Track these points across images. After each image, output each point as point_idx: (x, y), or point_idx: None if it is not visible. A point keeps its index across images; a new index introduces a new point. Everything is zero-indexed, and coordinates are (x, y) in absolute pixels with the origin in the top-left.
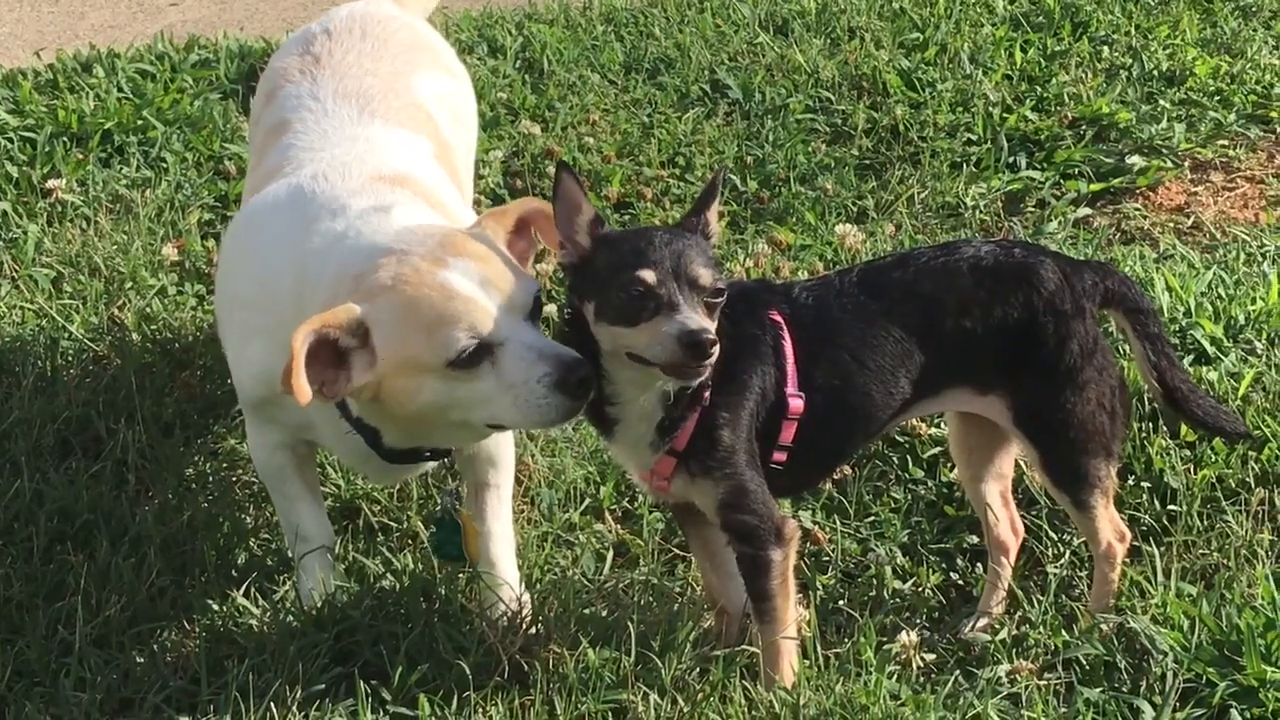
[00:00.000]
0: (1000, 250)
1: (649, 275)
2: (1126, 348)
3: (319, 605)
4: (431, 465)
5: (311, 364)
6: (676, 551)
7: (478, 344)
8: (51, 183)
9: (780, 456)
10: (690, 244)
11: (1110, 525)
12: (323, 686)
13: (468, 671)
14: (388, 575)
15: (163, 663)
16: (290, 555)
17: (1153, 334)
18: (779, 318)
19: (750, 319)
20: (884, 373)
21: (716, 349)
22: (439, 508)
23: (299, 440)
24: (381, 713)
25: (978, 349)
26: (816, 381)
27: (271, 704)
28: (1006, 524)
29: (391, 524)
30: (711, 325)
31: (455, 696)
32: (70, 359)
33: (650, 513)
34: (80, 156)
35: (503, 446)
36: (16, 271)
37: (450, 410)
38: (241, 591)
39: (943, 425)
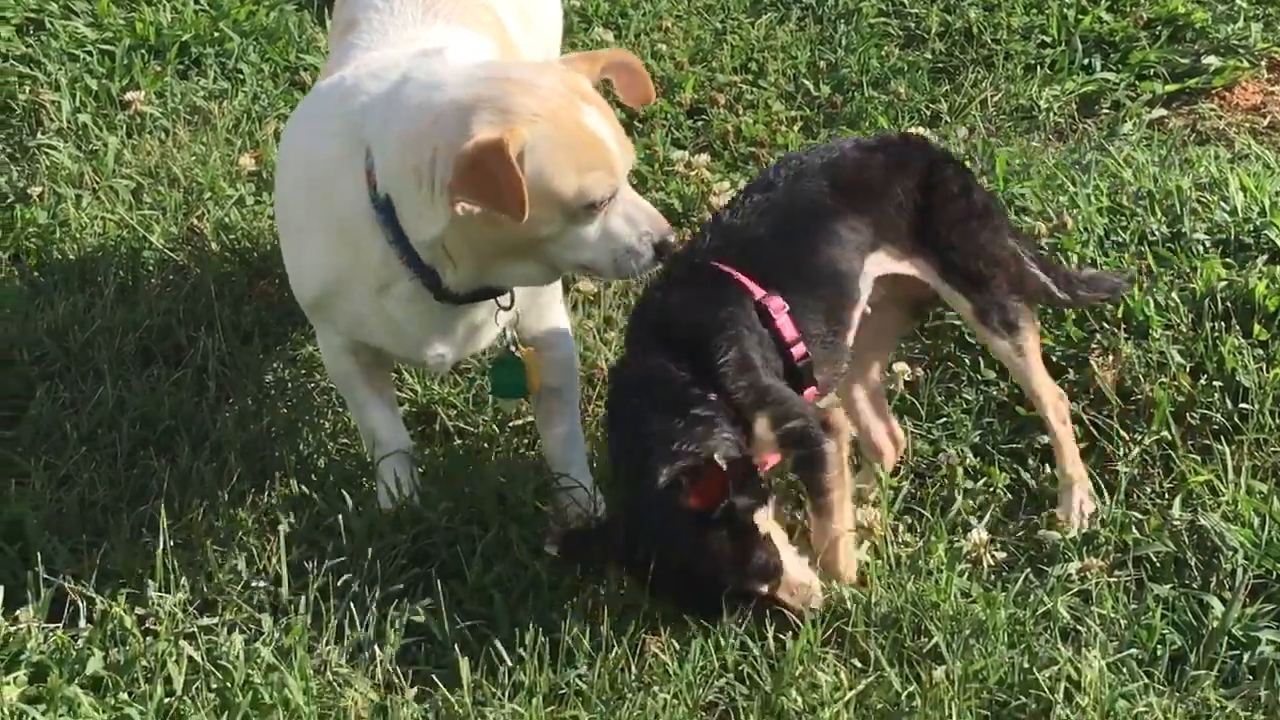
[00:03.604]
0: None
1: None
2: None
3: (396, 508)
4: (487, 341)
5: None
6: None
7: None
8: (130, 95)
9: (800, 350)
10: None
11: (1049, 378)
12: (401, 586)
13: (542, 573)
14: (464, 478)
15: (245, 564)
16: (369, 459)
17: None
18: (725, 269)
19: (705, 300)
20: (834, 251)
21: None
22: (499, 348)
23: (358, 344)
24: (458, 612)
25: (898, 213)
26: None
27: (351, 603)
28: (882, 430)
29: (468, 428)
30: None
31: (530, 597)
32: (150, 269)
33: None
34: (158, 69)
35: (562, 349)
36: (97, 183)
37: (551, 247)
38: (321, 495)
39: None
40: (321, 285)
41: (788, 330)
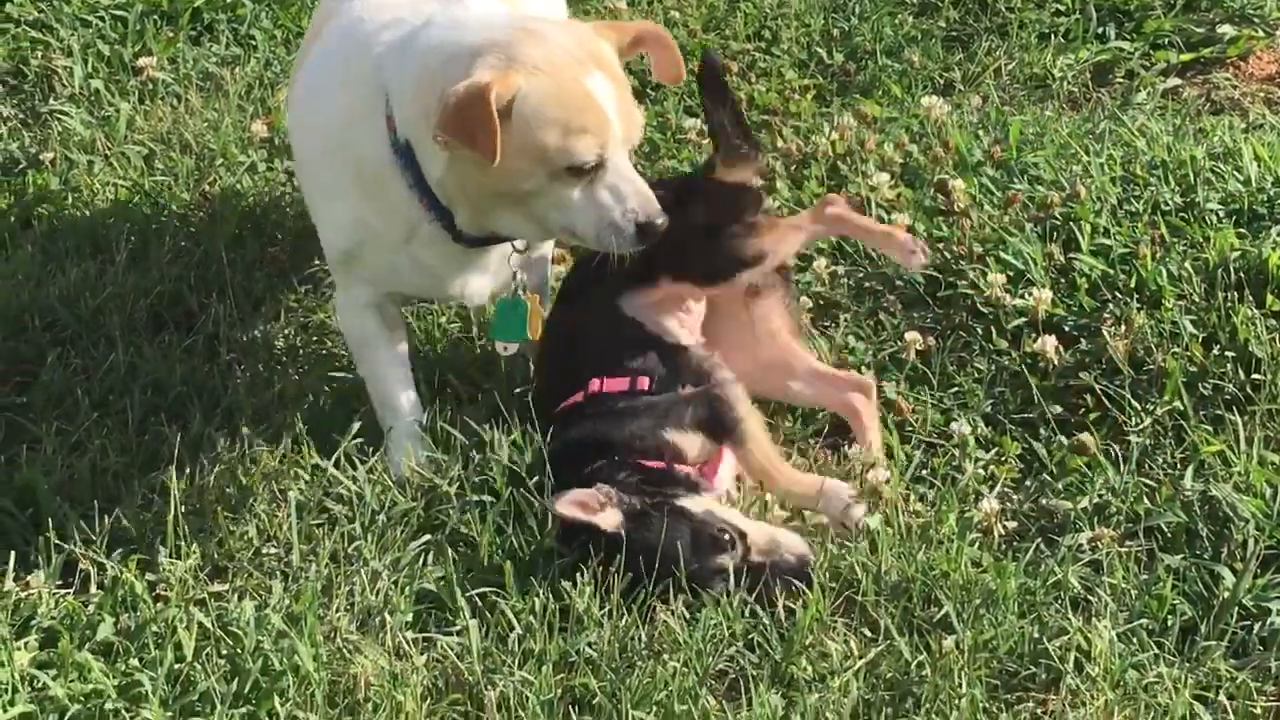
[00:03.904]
0: None
1: None
2: None
3: (408, 475)
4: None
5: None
6: None
7: (596, 163)
8: (142, 61)
9: (642, 383)
10: None
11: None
12: (412, 554)
13: (552, 541)
14: (475, 446)
15: (255, 530)
16: (382, 425)
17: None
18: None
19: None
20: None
21: None
22: (507, 293)
23: (385, 299)
24: (468, 579)
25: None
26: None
27: (361, 571)
28: (840, 390)
29: (480, 395)
30: None
31: (540, 564)
32: (162, 234)
33: None
34: (170, 35)
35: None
36: (109, 149)
37: (538, 203)
38: (332, 461)
39: (1027, 296)
40: (353, 236)
41: (617, 386)
